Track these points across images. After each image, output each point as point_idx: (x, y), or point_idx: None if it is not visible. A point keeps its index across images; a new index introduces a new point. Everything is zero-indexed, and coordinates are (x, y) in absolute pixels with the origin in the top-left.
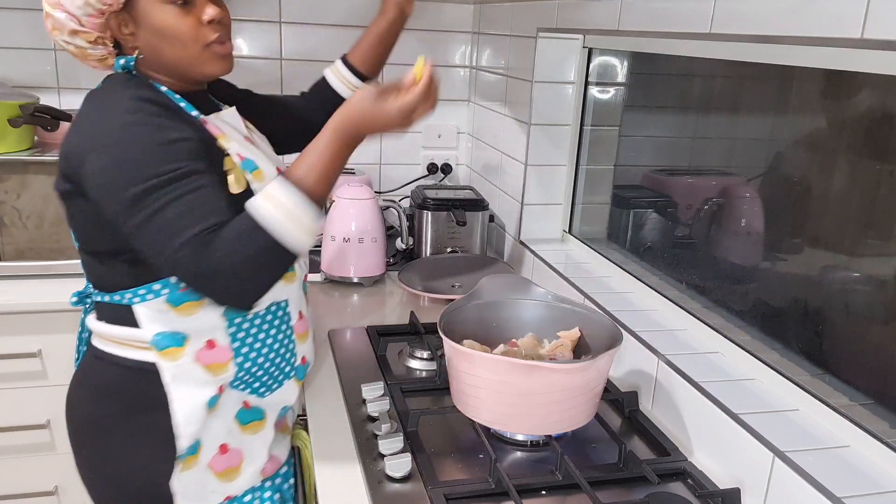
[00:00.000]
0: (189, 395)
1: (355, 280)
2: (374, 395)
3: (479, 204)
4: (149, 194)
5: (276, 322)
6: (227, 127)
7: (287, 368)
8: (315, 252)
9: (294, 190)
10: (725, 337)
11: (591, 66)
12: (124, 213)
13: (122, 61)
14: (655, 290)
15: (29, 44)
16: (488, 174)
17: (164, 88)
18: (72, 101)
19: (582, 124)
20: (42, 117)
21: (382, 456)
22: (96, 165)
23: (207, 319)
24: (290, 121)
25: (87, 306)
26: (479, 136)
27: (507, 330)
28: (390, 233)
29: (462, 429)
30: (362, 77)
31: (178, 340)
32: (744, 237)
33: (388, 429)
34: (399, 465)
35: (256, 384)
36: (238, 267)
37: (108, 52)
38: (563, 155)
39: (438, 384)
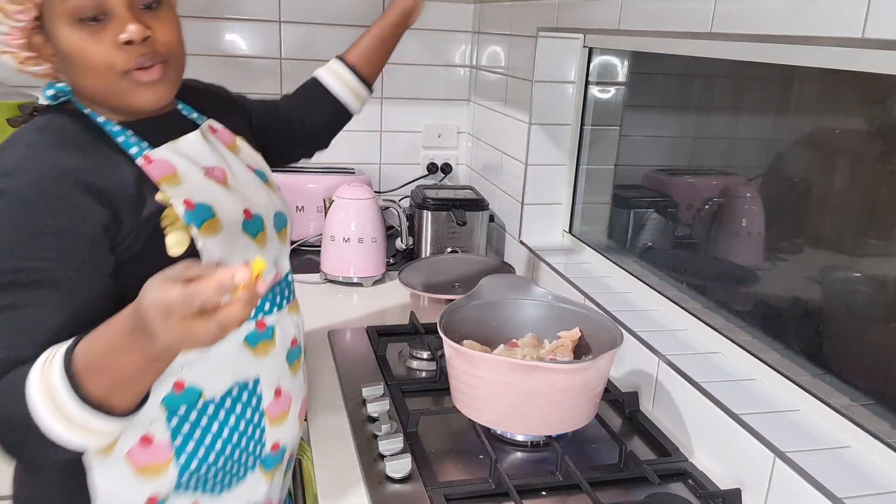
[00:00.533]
0: (116, 499)
1: (355, 280)
2: (374, 396)
3: (479, 204)
4: None
5: (239, 407)
6: (183, 160)
7: (250, 461)
8: (315, 252)
9: (62, 371)
10: (726, 337)
11: (592, 65)
12: None
13: (49, 91)
14: (656, 290)
15: None
16: (488, 174)
17: (101, 119)
18: None
19: (582, 124)
20: None
21: (382, 457)
22: None
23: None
24: (272, 130)
25: None
26: (479, 136)
27: (507, 330)
28: (390, 233)
29: (462, 429)
30: (363, 78)
31: None
32: (744, 237)
33: (388, 429)
34: (399, 465)
35: (209, 483)
36: None
37: (48, 71)
38: (564, 155)
39: (438, 384)
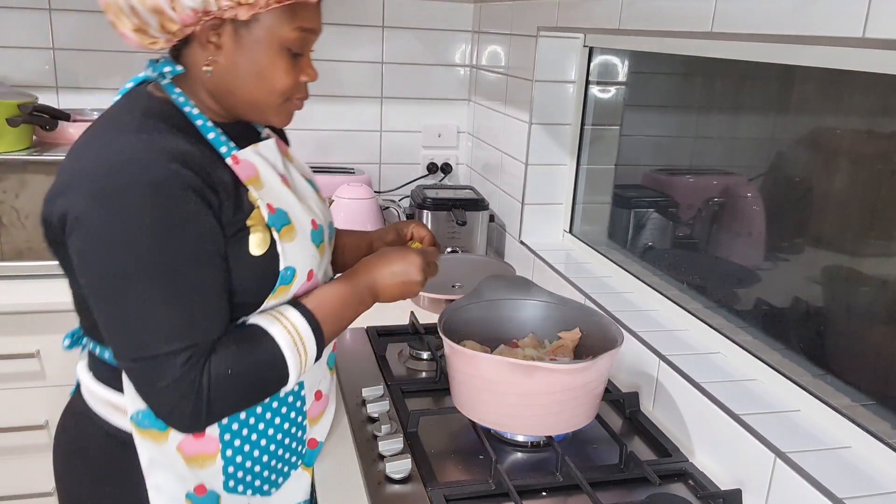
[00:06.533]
0: (168, 486)
1: None
2: (374, 396)
3: (479, 204)
4: (128, 282)
5: (284, 409)
6: (264, 164)
7: (293, 459)
8: None
9: (309, 327)
10: (726, 337)
11: (592, 64)
12: (94, 292)
13: (166, 68)
14: (656, 291)
15: (28, 43)
16: (488, 174)
17: (195, 111)
18: (70, 101)
19: (583, 123)
20: (40, 116)
21: (382, 457)
22: (79, 225)
23: None
24: None
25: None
26: (480, 136)
27: (508, 330)
28: None
29: (462, 430)
30: None
31: (162, 424)
32: (745, 237)
33: (388, 430)
34: (399, 466)
35: (258, 482)
36: (228, 398)
37: (165, 43)
38: (564, 154)
39: (438, 385)
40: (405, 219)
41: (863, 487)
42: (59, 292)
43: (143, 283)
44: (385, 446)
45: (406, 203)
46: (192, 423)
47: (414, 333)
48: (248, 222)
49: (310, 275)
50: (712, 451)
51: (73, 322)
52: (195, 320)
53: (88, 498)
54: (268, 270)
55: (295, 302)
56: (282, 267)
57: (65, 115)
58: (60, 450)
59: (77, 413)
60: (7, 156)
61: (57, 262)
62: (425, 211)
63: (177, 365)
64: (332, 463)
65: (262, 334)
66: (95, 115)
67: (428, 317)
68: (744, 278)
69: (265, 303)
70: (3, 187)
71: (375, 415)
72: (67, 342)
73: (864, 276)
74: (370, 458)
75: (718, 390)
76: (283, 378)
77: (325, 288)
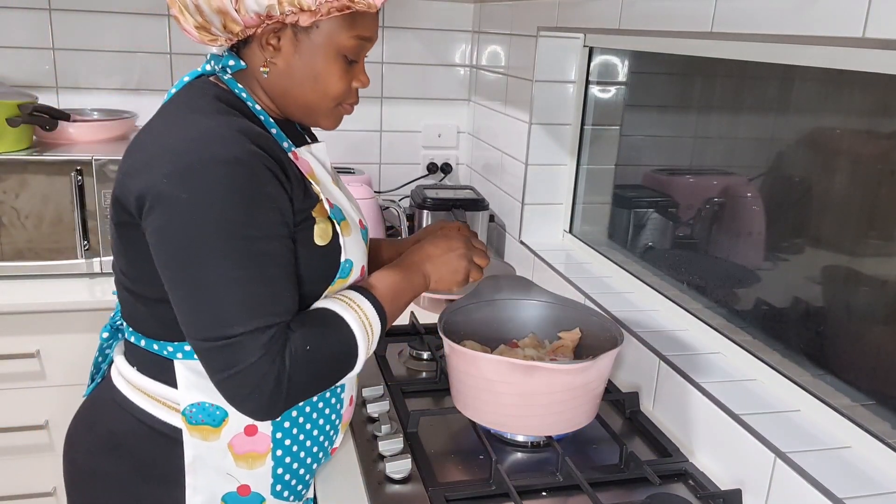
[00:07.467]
0: (207, 486)
1: None
2: (374, 396)
3: (479, 204)
4: (212, 257)
5: (327, 410)
6: (318, 164)
7: (323, 459)
8: None
9: (376, 312)
10: (727, 337)
11: (592, 64)
12: (173, 270)
13: (230, 62)
14: (656, 291)
15: (28, 43)
16: (488, 174)
17: (258, 107)
18: (70, 101)
19: (583, 124)
20: (40, 117)
21: (382, 457)
22: (160, 201)
23: None
24: None
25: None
26: (480, 136)
27: (508, 330)
28: (390, 233)
29: (462, 430)
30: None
31: (217, 419)
32: (745, 237)
33: (388, 430)
34: (399, 466)
35: (300, 486)
36: (306, 377)
37: (225, 42)
38: (564, 154)
39: (438, 385)
40: (405, 219)
41: (863, 487)
42: (59, 292)
43: (228, 257)
44: (385, 446)
45: (406, 203)
46: (270, 407)
47: (414, 333)
48: (313, 213)
49: (362, 270)
50: (712, 451)
51: (73, 322)
52: (278, 298)
53: (119, 498)
54: (331, 261)
55: (357, 286)
56: (343, 258)
57: (65, 115)
58: (85, 447)
59: (110, 408)
60: (7, 156)
61: (111, 247)
62: (425, 211)
63: (260, 344)
64: (333, 463)
65: (332, 315)
66: (95, 115)
67: (428, 317)
68: (744, 278)
69: (322, 295)
70: (3, 188)
71: (375, 415)
72: (106, 335)
73: (863, 276)
74: (370, 458)
75: (718, 390)
76: (353, 360)
77: (380, 273)
